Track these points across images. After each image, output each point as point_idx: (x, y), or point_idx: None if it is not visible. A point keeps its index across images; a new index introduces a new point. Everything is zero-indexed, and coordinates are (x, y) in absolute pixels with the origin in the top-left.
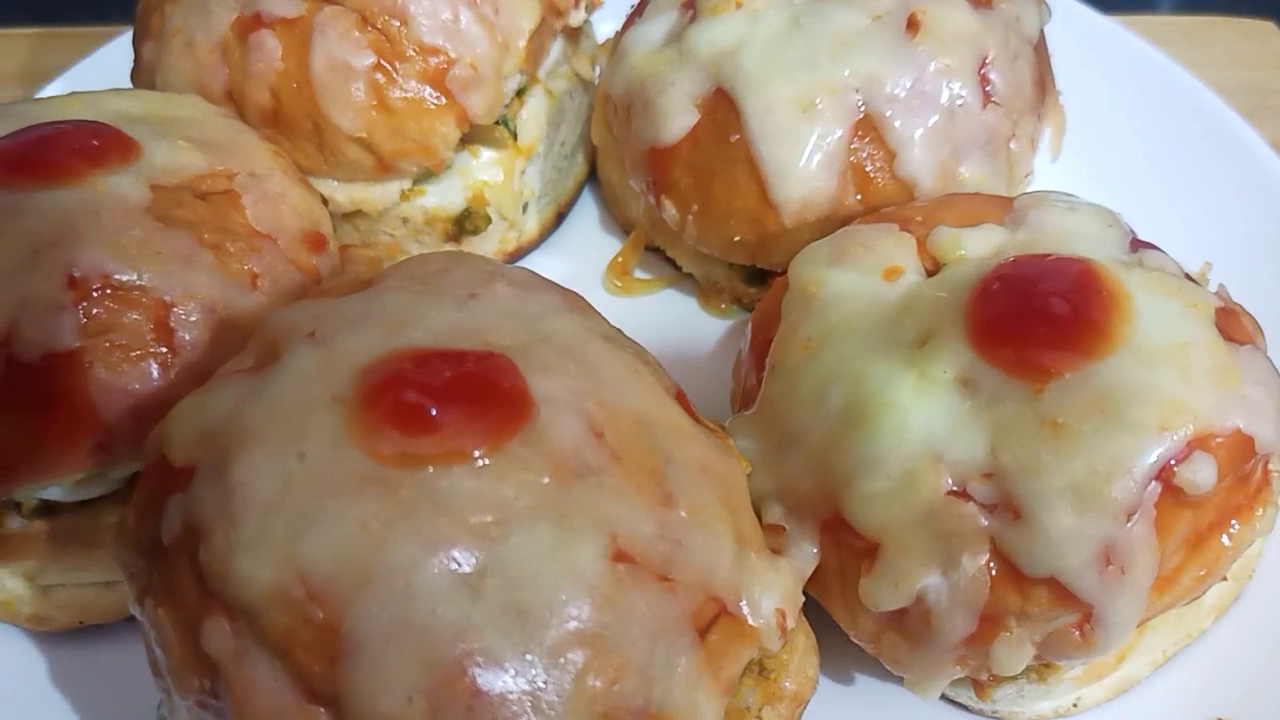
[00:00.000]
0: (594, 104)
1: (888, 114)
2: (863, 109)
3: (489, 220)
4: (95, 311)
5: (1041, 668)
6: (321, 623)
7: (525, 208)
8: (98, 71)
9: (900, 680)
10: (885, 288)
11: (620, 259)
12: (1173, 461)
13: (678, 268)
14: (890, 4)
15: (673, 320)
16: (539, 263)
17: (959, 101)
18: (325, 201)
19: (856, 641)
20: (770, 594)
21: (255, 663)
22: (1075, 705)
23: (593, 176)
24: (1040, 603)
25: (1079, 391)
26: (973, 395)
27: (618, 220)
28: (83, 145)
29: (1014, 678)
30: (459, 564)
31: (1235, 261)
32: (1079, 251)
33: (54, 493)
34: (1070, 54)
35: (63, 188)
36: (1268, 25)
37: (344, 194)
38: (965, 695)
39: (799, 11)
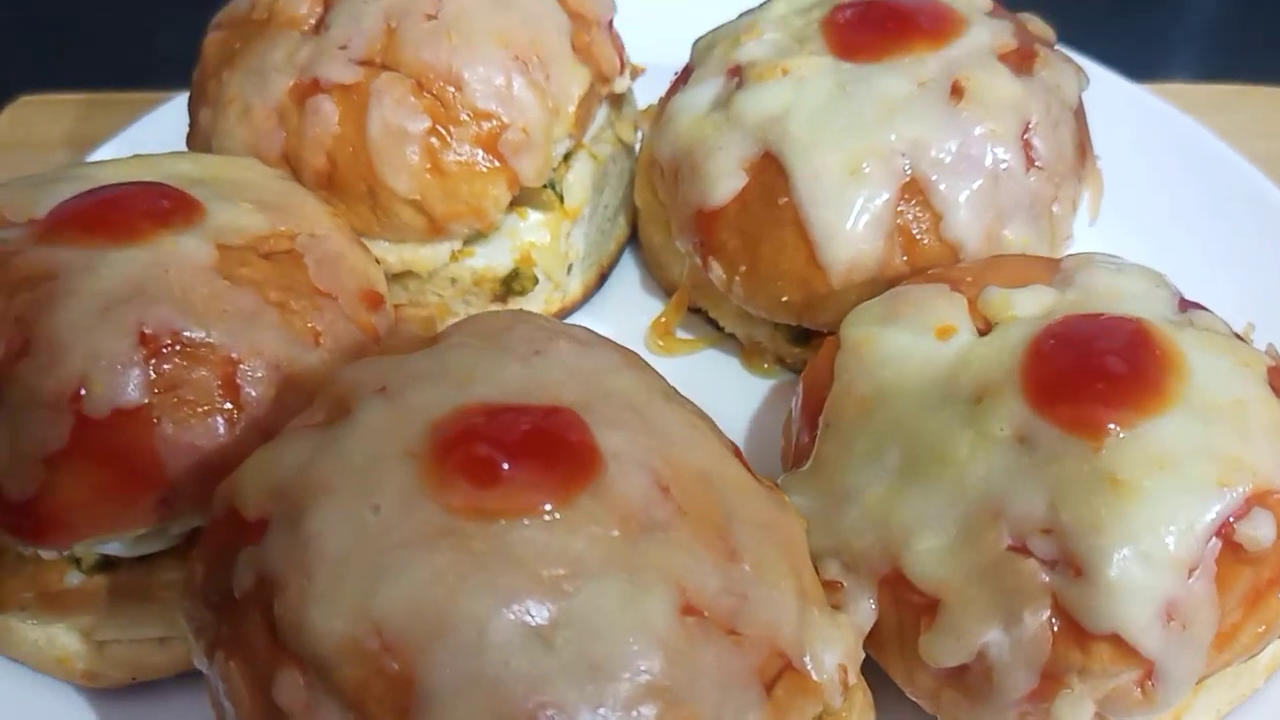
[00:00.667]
0: (636, 168)
1: (933, 178)
2: (909, 173)
3: (535, 281)
4: (164, 368)
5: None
6: (395, 674)
7: (570, 269)
8: (147, 135)
9: None
10: (938, 346)
11: (663, 319)
12: (1232, 518)
13: (719, 328)
14: (935, 71)
15: (716, 380)
16: (582, 323)
17: (1003, 165)
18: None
19: (914, 699)
20: (833, 650)
21: (327, 715)
22: None
23: (633, 239)
24: (1102, 659)
25: (1137, 448)
26: (1030, 452)
27: (659, 282)
28: (150, 206)
29: None
30: (531, 616)
31: (1275, 323)
32: (1129, 311)
33: (114, 548)
34: (1102, 118)
35: (132, 247)
36: None
37: (395, 255)
38: None
39: (845, 78)
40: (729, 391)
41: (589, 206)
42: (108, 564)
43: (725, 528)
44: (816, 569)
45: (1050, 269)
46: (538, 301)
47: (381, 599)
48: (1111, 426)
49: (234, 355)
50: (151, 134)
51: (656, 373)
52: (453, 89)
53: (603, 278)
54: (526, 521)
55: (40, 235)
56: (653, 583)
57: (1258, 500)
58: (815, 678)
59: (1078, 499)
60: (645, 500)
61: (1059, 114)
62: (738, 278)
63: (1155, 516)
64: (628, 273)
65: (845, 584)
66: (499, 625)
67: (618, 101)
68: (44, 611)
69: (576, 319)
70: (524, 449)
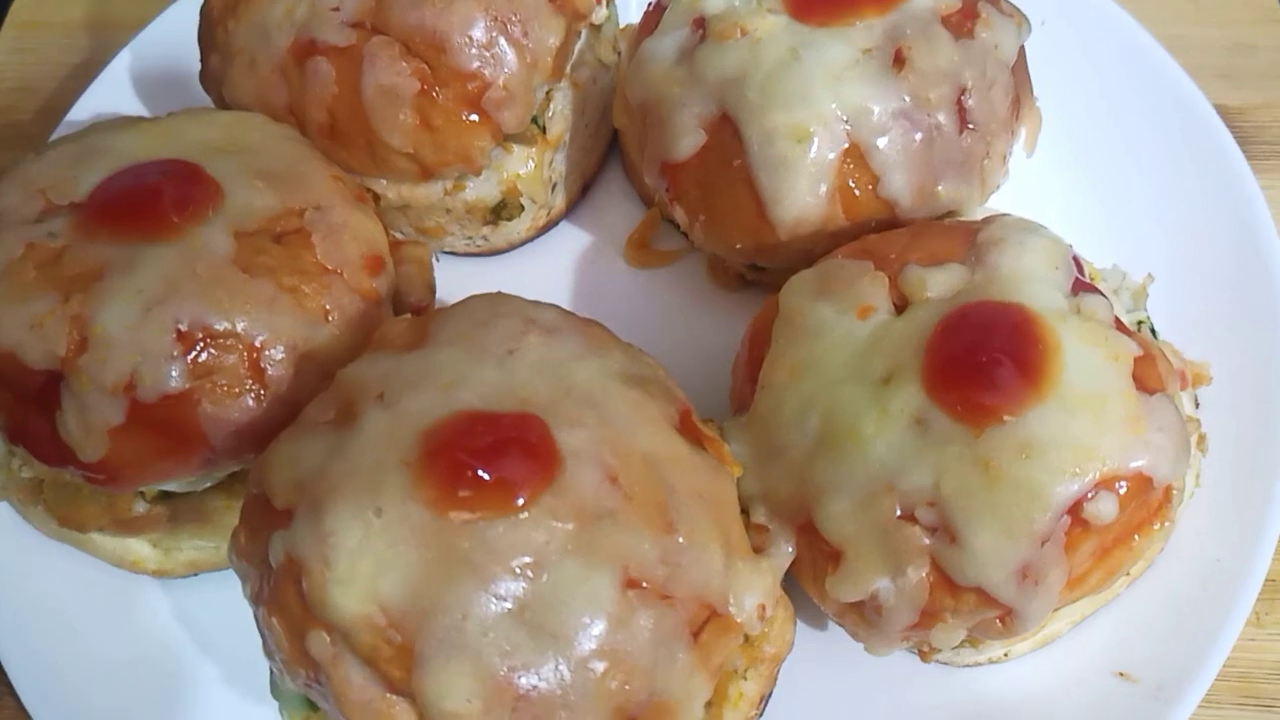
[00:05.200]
0: (616, 87)
1: (872, 142)
2: (850, 138)
3: (522, 208)
4: (200, 358)
5: (973, 639)
6: (399, 644)
7: (554, 188)
8: (167, 29)
9: None
10: (858, 325)
11: (638, 235)
12: (1082, 499)
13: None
14: (880, 38)
15: (685, 291)
16: (566, 234)
17: (937, 129)
18: (378, 198)
19: (824, 611)
20: (753, 593)
21: (349, 665)
22: (1005, 655)
23: (615, 143)
24: (969, 604)
25: (1009, 437)
26: (923, 434)
27: (638, 191)
28: (177, 198)
29: None
30: (505, 597)
31: (1191, 255)
32: (1026, 296)
33: (171, 486)
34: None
35: (163, 244)
36: None
37: (394, 191)
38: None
39: (798, 42)
40: (697, 301)
41: (570, 132)
42: (167, 494)
43: (665, 504)
44: (748, 512)
45: (967, 241)
46: (525, 221)
47: (386, 585)
48: (990, 417)
49: (257, 342)
50: (173, 26)
51: (616, 348)
52: (438, 51)
53: (586, 188)
54: (500, 520)
55: (83, 228)
56: (600, 564)
57: (1104, 484)
58: (737, 618)
59: (956, 479)
60: (597, 492)
61: (995, 74)
62: (698, 224)
63: (1016, 498)
64: (611, 180)
65: (770, 528)
66: (479, 606)
67: (597, 26)
68: (118, 531)
69: (562, 228)
70: (497, 457)
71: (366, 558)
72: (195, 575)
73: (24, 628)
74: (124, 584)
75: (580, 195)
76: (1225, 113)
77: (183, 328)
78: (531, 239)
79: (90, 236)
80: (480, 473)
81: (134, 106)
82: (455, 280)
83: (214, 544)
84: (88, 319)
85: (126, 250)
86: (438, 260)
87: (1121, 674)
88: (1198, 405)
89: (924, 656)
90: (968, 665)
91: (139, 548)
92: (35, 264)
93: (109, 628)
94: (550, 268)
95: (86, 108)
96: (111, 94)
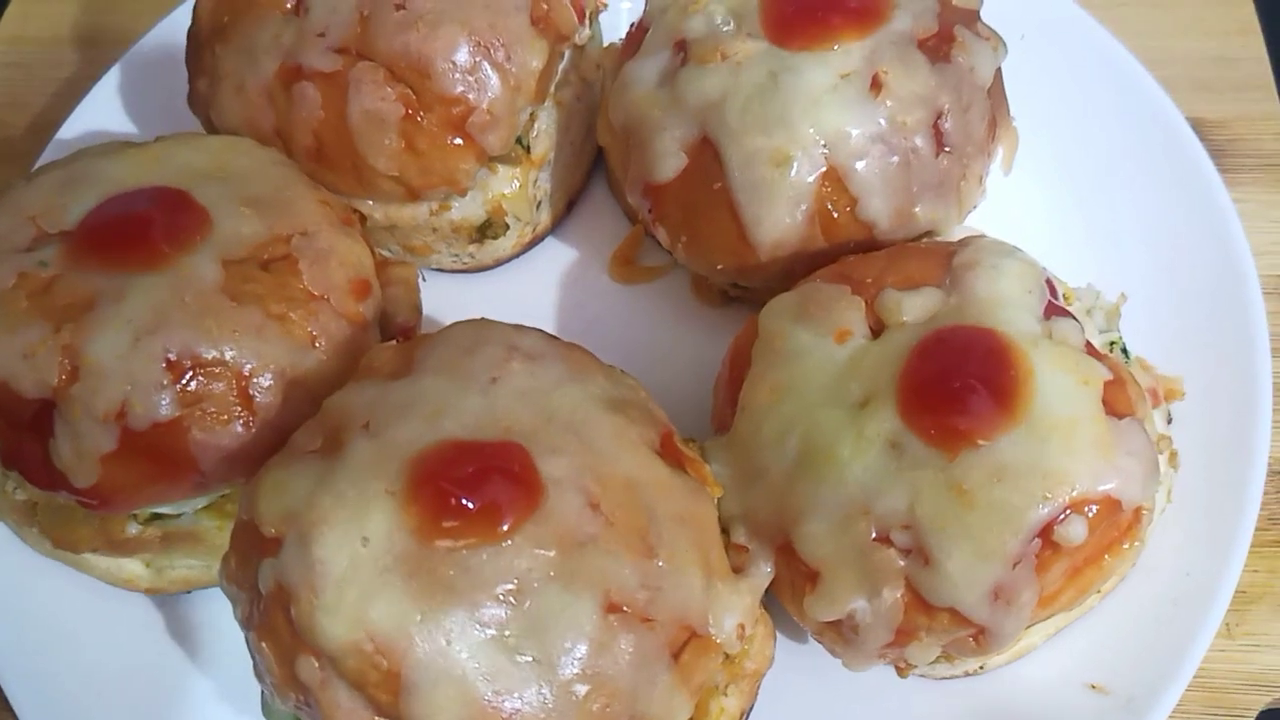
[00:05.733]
0: (601, 105)
1: (850, 166)
2: (829, 161)
3: (507, 227)
4: (189, 387)
5: (948, 655)
6: (386, 669)
7: (539, 206)
8: (158, 44)
9: None
10: (836, 349)
11: (622, 252)
12: (1053, 523)
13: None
14: (858, 63)
15: (669, 307)
16: (552, 250)
17: (914, 152)
18: (364, 219)
19: (804, 628)
20: (732, 614)
21: (338, 690)
22: (981, 668)
23: (600, 160)
24: (943, 623)
25: (982, 463)
26: (899, 457)
27: (622, 207)
28: (167, 228)
29: None
30: (489, 624)
31: (1165, 269)
32: (1000, 321)
33: (163, 508)
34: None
35: (153, 274)
36: None
37: (381, 212)
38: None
39: (777, 67)
40: (681, 317)
41: (555, 150)
42: (159, 516)
43: (646, 528)
44: (728, 532)
45: (943, 264)
46: (511, 239)
47: (372, 614)
48: (963, 442)
49: (245, 370)
50: (161, 44)
51: (598, 372)
52: (422, 77)
53: (571, 205)
54: (484, 549)
55: (74, 257)
56: (582, 589)
57: (1074, 508)
58: (717, 639)
59: (931, 503)
60: (578, 519)
61: (970, 97)
62: (680, 244)
63: (988, 522)
64: (595, 196)
65: (750, 548)
66: (465, 633)
67: (580, 45)
68: (111, 552)
69: (547, 246)
70: (480, 486)
71: (354, 586)
72: (189, 593)
73: (20, 645)
74: (118, 601)
75: (565, 211)
76: (1203, 125)
77: (172, 357)
78: (518, 255)
79: (81, 266)
80: (465, 502)
81: (124, 124)
82: (443, 297)
83: (205, 563)
84: (79, 349)
85: (116, 280)
86: (424, 280)
87: (1094, 686)
88: (1170, 421)
89: (901, 672)
90: (944, 678)
91: (132, 567)
92: (27, 293)
93: (104, 645)
94: (536, 284)
95: (77, 126)
96: (102, 111)
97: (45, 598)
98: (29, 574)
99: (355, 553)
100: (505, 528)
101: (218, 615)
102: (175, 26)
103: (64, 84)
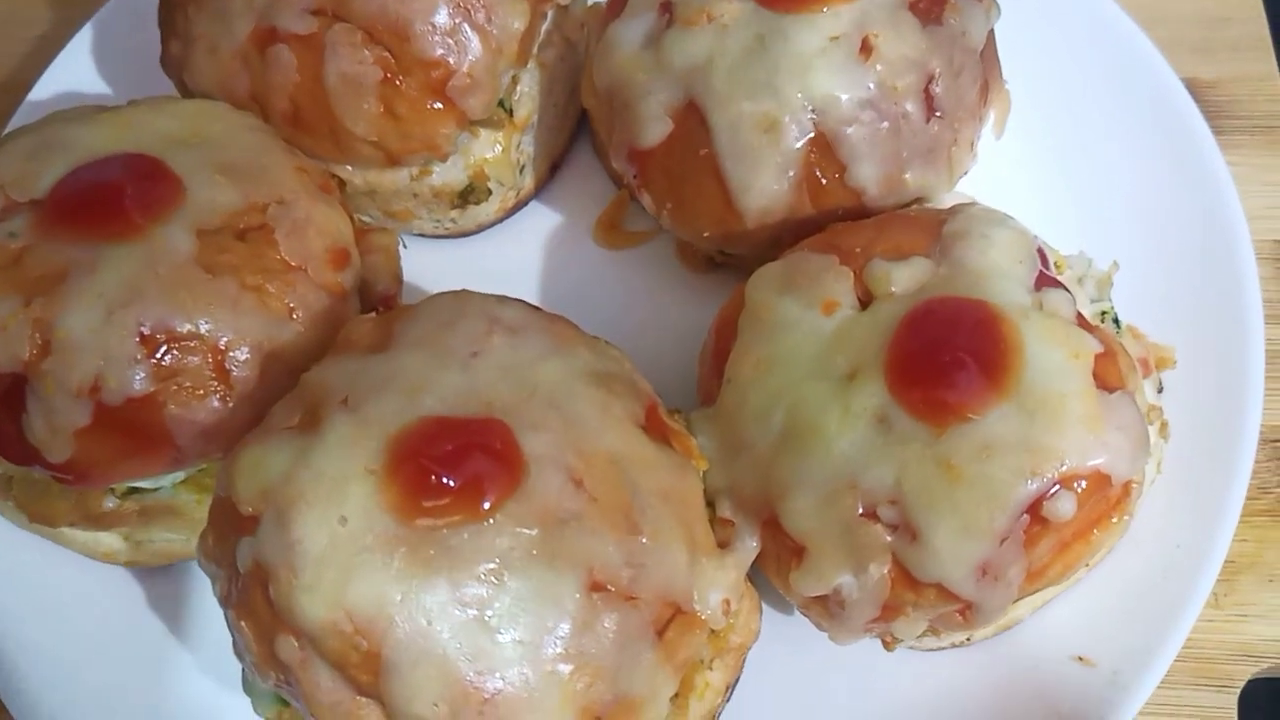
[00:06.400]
0: (585, 67)
1: (839, 132)
2: (817, 127)
3: (489, 192)
4: (164, 361)
5: (934, 629)
6: (366, 650)
7: (522, 169)
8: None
9: None
10: (823, 321)
11: (607, 216)
12: (1041, 498)
13: None
14: (847, 25)
15: (654, 273)
16: (536, 215)
17: (904, 118)
18: (344, 184)
19: (789, 600)
20: (717, 589)
21: (317, 669)
22: (968, 640)
23: (584, 122)
24: (930, 599)
25: (970, 438)
26: (886, 432)
27: (607, 171)
28: (139, 197)
29: None
30: (471, 604)
31: (1157, 235)
32: (990, 292)
33: (140, 483)
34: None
35: (125, 243)
36: None
37: (360, 178)
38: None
39: (764, 29)
40: (666, 283)
41: (538, 113)
42: (137, 490)
43: (629, 505)
44: (713, 506)
45: (933, 233)
46: (494, 203)
47: (351, 594)
48: (952, 417)
49: (221, 344)
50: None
51: (581, 344)
52: (400, 39)
53: (555, 168)
54: (465, 528)
55: (44, 227)
56: (565, 568)
57: (1063, 483)
58: (701, 615)
59: (918, 478)
60: (560, 496)
61: (962, 61)
62: (665, 211)
63: (976, 498)
64: (580, 159)
65: (735, 522)
66: (445, 613)
67: (564, 5)
68: (89, 526)
69: (530, 210)
70: (461, 464)
71: (333, 565)
72: (171, 565)
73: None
74: (100, 574)
75: (549, 175)
76: (1198, 86)
77: (146, 331)
78: (501, 220)
79: (51, 236)
80: (445, 480)
81: (97, 84)
82: (424, 263)
83: (184, 536)
84: (51, 322)
85: (88, 251)
86: (405, 246)
87: (1080, 658)
88: (1161, 389)
89: (887, 646)
90: (930, 650)
91: (110, 541)
92: None
93: (86, 618)
94: (519, 249)
95: (49, 86)
96: (74, 71)
97: (27, 571)
98: (8, 547)
99: (334, 532)
100: (487, 506)
101: (201, 588)
102: None
103: (36, 41)
